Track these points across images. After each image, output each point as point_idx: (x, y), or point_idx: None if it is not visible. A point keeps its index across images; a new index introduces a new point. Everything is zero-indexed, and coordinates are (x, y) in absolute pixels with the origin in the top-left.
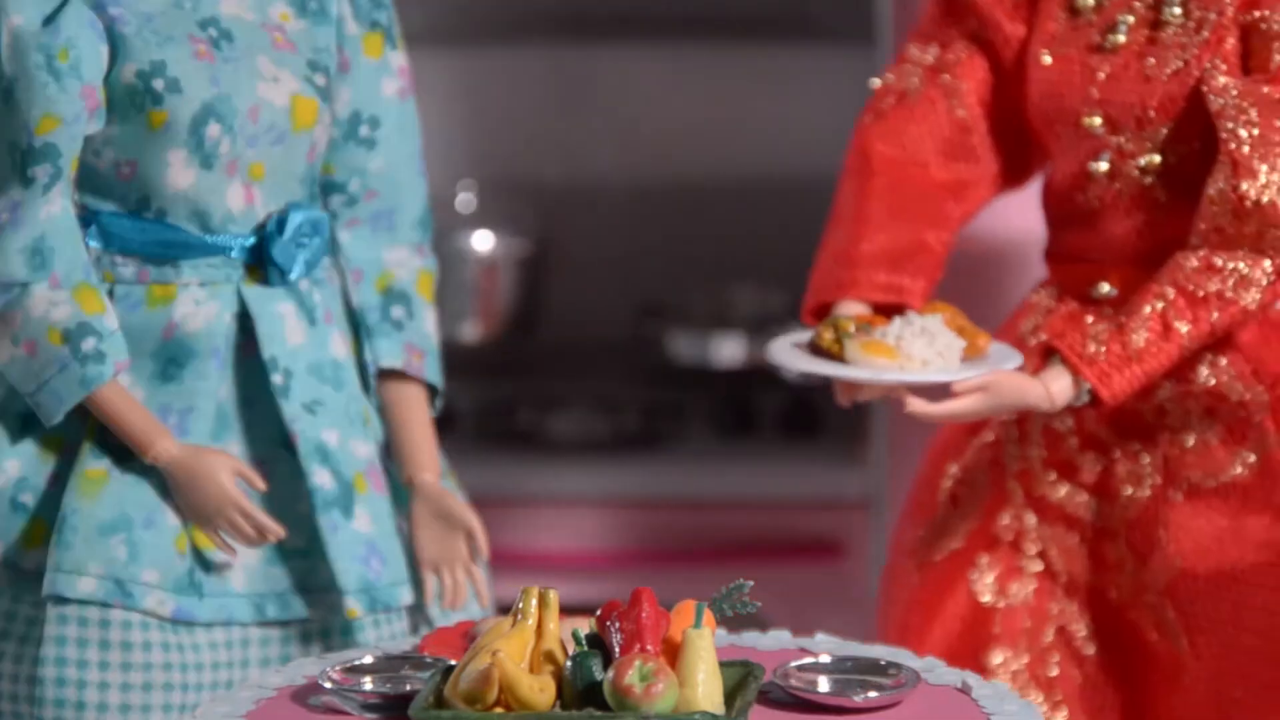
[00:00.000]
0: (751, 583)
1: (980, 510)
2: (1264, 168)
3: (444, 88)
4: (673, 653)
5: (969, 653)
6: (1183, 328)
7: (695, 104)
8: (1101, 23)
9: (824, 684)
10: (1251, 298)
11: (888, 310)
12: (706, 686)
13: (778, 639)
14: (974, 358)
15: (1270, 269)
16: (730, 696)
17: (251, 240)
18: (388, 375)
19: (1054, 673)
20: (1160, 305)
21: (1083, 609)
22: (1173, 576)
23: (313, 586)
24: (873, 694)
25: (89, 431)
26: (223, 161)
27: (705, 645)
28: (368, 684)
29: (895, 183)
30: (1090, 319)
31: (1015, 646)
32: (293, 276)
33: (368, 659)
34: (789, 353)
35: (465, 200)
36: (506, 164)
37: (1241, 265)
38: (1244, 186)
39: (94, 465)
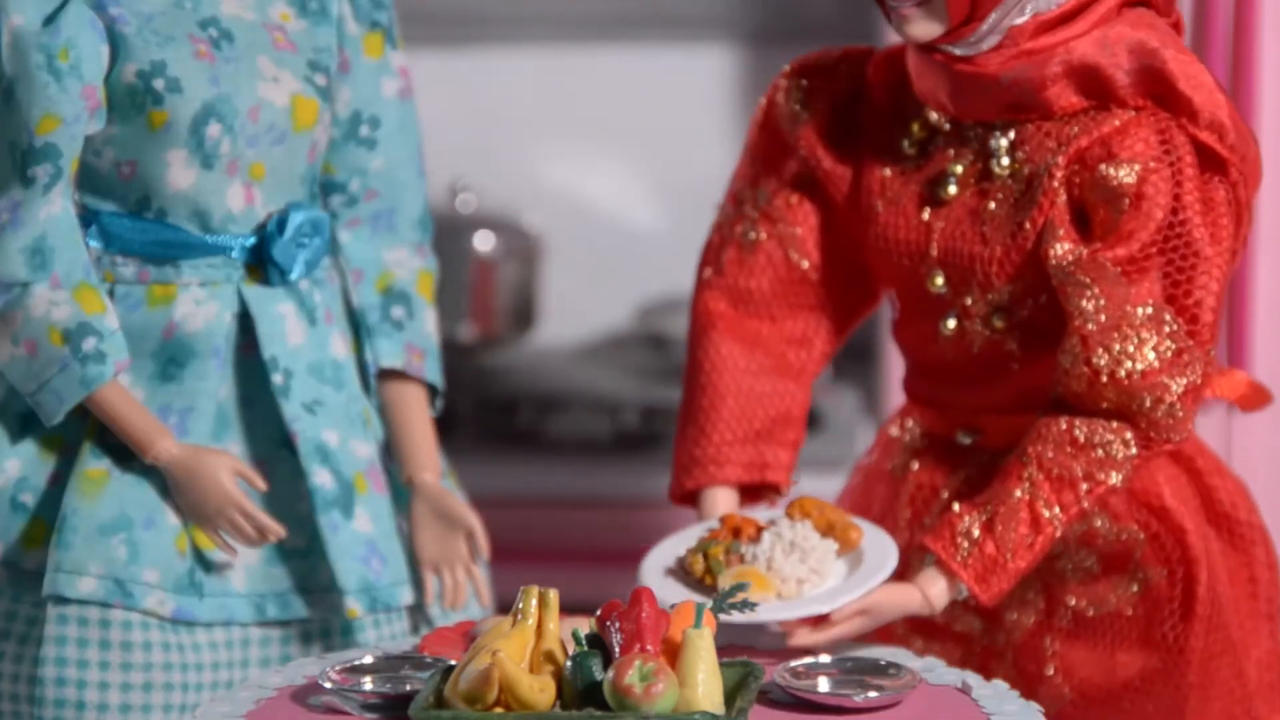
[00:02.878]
0: (751, 583)
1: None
2: (1115, 342)
3: (444, 88)
4: (673, 653)
5: None
6: (1053, 516)
7: (695, 104)
8: (929, 171)
9: (824, 684)
10: (1118, 478)
11: (755, 490)
12: (706, 686)
13: (779, 639)
14: (848, 553)
15: (1133, 439)
16: (730, 696)
17: (252, 240)
18: (388, 375)
19: None
20: (1028, 492)
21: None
22: (1061, 706)
23: (313, 586)
24: (872, 694)
25: (89, 431)
26: (223, 161)
27: (705, 645)
28: (368, 684)
29: (742, 345)
30: (958, 510)
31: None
32: (293, 276)
33: (368, 659)
34: (660, 581)
35: (465, 200)
36: (506, 164)
37: (1106, 437)
38: (1096, 361)
39: (94, 465)
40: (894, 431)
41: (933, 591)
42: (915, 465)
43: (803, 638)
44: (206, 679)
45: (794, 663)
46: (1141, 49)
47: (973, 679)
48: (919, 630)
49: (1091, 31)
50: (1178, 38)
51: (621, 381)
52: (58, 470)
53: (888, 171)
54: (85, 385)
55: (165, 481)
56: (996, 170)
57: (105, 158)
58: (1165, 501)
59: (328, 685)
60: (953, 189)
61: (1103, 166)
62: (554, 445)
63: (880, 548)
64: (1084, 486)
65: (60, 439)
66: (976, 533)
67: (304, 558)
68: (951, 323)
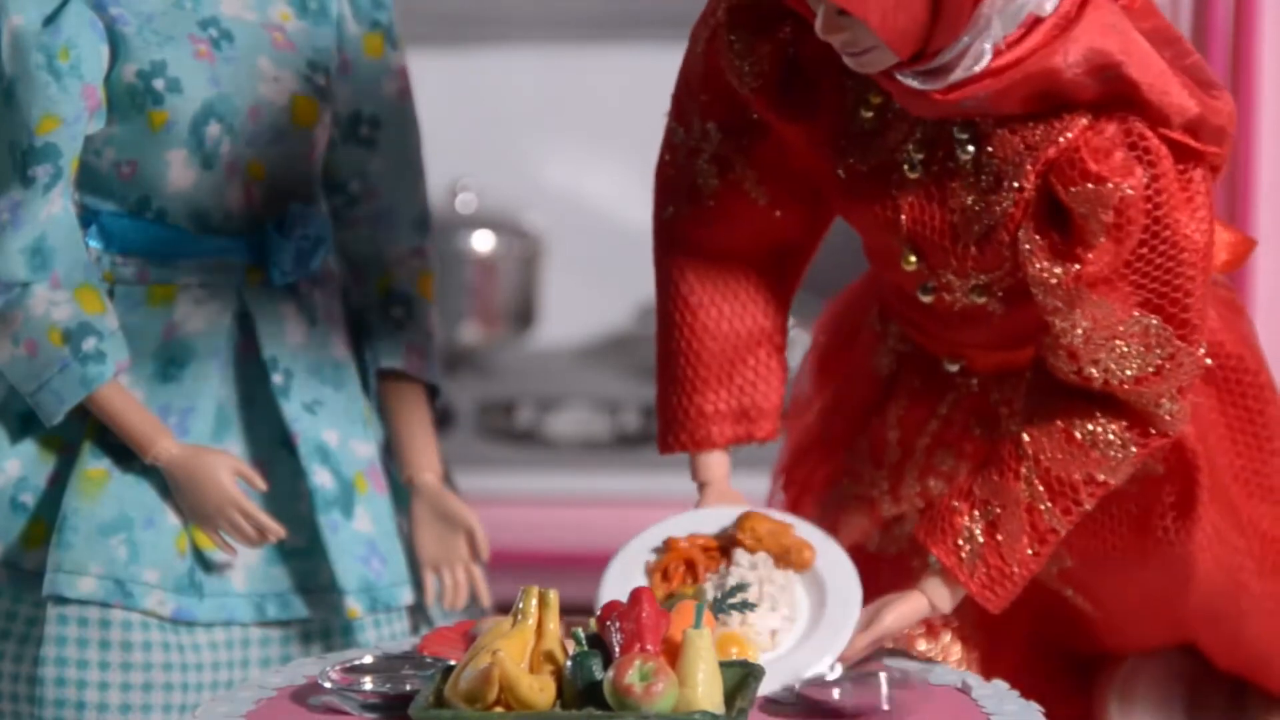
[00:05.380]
0: (751, 583)
1: (859, 534)
2: (1104, 354)
3: (444, 88)
4: (673, 653)
5: None
6: (1055, 524)
7: None
8: (890, 141)
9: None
10: (1119, 478)
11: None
12: (706, 686)
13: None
14: (803, 571)
15: (1131, 439)
16: (730, 696)
17: (252, 240)
18: (388, 375)
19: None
20: (1027, 494)
21: None
22: (1063, 568)
23: (313, 586)
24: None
25: (89, 431)
26: (223, 161)
27: (705, 645)
28: (368, 684)
29: (713, 289)
30: (957, 505)
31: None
32: (293, 276)
33: (368, 659)
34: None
35: (465, 200)
36: (506, 164)
37: (1105, 438)
38: (1088, 371)
39: (94, 465)
40: (875, 323)
41: (938, 598)
42: (900, 390)
43: (838, 669)
44: (206, 679)
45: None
46: (1102, 60)
47: (972, 679)
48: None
49: (1051, 43)
50: (1138, 29)
51: (621, 381)
52: (58, 470)
53: (846, 138)
54: (85, 385)
55: (165, 481)
56: (961, 155)
57: (105, 158)
58: None
59: (328, 685)
60: (917, 171)
61: (1077, 187)
62: (554, 445)
63: (835, 561)
64: (1085, 491)
65: (60, 439)
66: (980, 538)
67: (304, 558)
68: (930, 294)
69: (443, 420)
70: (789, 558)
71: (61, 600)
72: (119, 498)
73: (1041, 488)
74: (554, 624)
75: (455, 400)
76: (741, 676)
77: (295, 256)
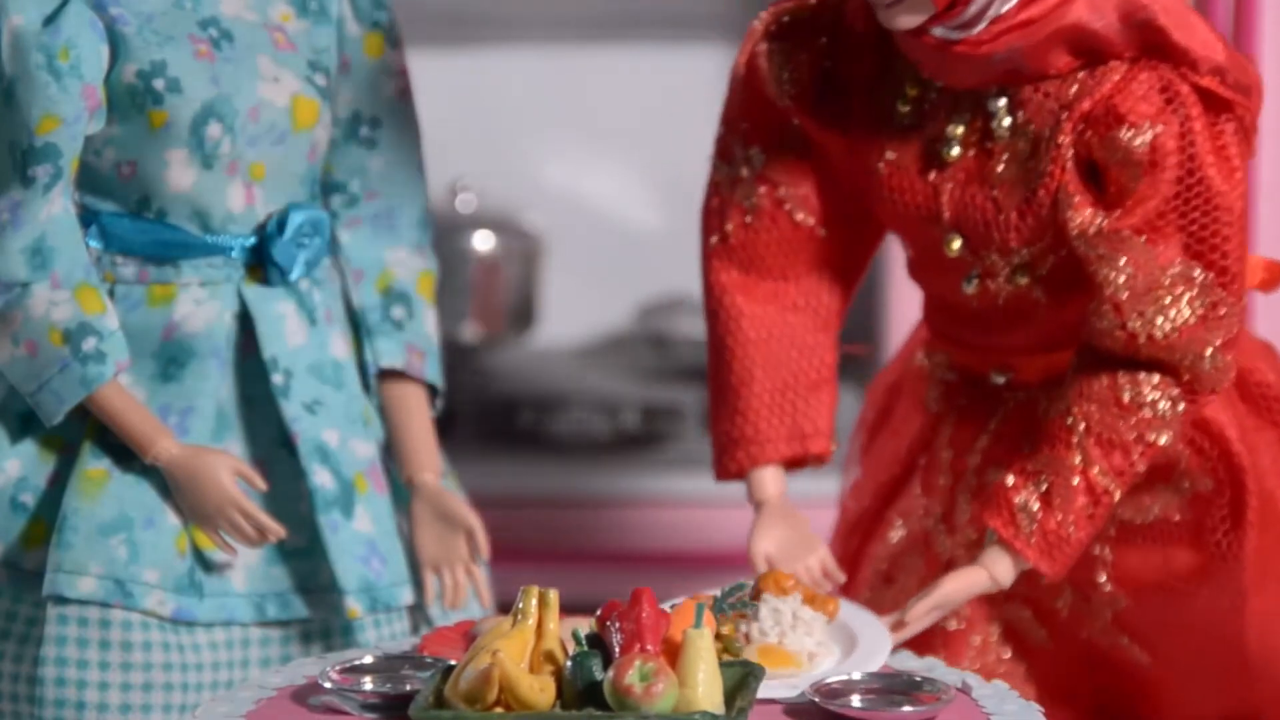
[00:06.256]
0: (751, 583)
1: (917, 581)
2: (1149, 306)
3: (444, 88)
4: (673, 653)
5: None
6: (1109, 484)
7: (696, 104)
8: (930, 131)
9: (856, 700)
10: (1168, 437)
11: (799, 459)
12: (706, 686)
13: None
14: (830, 621)
15: (1179, 394)
16: (730, 696)
17: (252, 240)
18: (388, 375)
19: (1007, 654)
20: (1081, 461)
21: (1022, 607)
22: (1117, 611)
23: (313, 586)
24: (907, 708)
25: (89, 431)
26: (223, 161)
27: (705, 645)
28: (368, 684)
29: (763, 314)
30: (1012, 482)
31: (964, 669)
32: (293, 276)
33: (367, 659)
34: None
35: (465, 200)
36: (506, 164)
37: (1152, 396)
38: (1131, 325)
39: (94, 465)
40: (921, 360)
41: (998, 570)
42: (951, 411)
43: (892, 645)
44: (206, 679)
45: (828, 679)
46: (1131, 7)
47: (972, 679)
48: (962, 547)
49: None
50: None
51: (621, 381)
52: (58, 470)
53: (885, 133)
54: (85, 385)
55: (165, 481)
56: (998, 130)
57: (105, 158)
58: (1204, 413)
59: (328, 685)
60: (955, 150)
61: (1112, 132)
62: (554, 445)
63: (864, 621)
64: (1136, 451)
65: (60, 439)
66: (1035, 506)
67: (304, 558)
68: (974, 282)
69: (443, 420)
70: (815, 605)
71: (61, 600)
72: (119, 498)
73: (1095, 451)
74: (554, 624)
75: (455, 400)
76: (741, 676)
77: (295, 256)
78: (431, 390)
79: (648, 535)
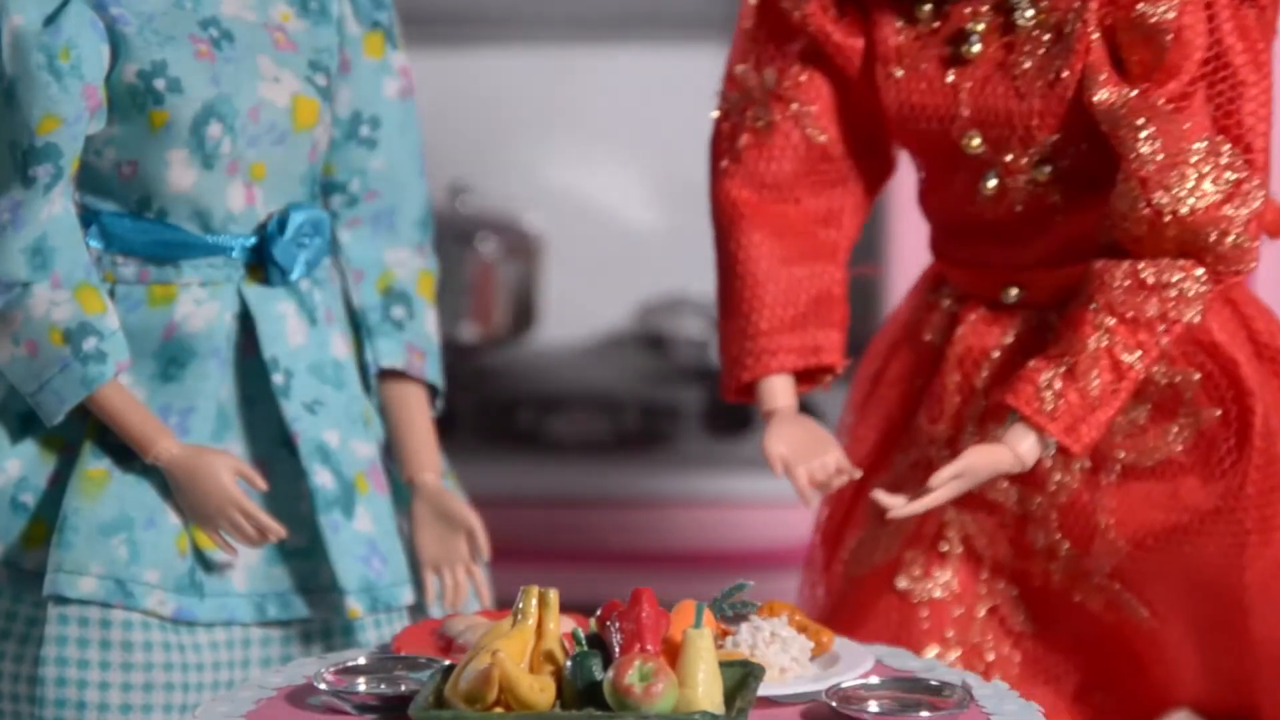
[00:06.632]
0: (751, 583)
1: (910, 522)
2: (1174, 180)
3: (444, 88)
4: (673, 653)
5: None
6: (1133, 360)
7: (696, 104)
8: (947, 31)
9: (873, 706)
10: (1192, 314)
11: (810, 374)
12: (706, 686)
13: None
14: (820, 656)
15: (1204, 276)
16: (730, 696)
17: (252, 240)
18: (388, 375)
19: (990, 657)
20: (1104, 340)
21: (1010, 585)
22: (1119, 560)
23: (314, 586)
24: (924, 713)
25: (89, 431)
26: (224, 161)
27: (705, 645)
28: (361, 685)
29: (772, 231)
30: (1034, 365)
31: (946, 640)
32: (293, 276)
33: (362, 660)
34: None
35: (465, 200)
36: (506, 164)
37: (1175, 278)
38: (1158, 201)
39: (94, 465)
40: (930, 299)
41: (1022, 448)
42: (959, 330)
43: (899, 507)
44: (207, 679)
45: (844, 682)
46: None
47: (973, 679)
48: (952, 502)
49: None
50: None
51: (621, 381)
52: (58, 470)
53: (902, 37)
54: (86, 385)
55: (166, 481)
56: (1021, 22)
57: (106, 158)
58: (1215, 336)
59: (322, 686)
60: (977, 46)
61: (1139, 6)
62: (554, 445)
63: (855, 654)
64: (1160, 327)
65: (60, 439)
66: (1059, 384)
67: (305, 558)
68: (992, 182)
69: (443, 420)
70: (808, 634)
71: (62, 600)
72: (119, 498)
73: (1120, 330)
74: (554, 624)
75: (455, 400)
76: (741, 676)
77: (295, 256)
78: (432, 390)
79: (647, 535)
